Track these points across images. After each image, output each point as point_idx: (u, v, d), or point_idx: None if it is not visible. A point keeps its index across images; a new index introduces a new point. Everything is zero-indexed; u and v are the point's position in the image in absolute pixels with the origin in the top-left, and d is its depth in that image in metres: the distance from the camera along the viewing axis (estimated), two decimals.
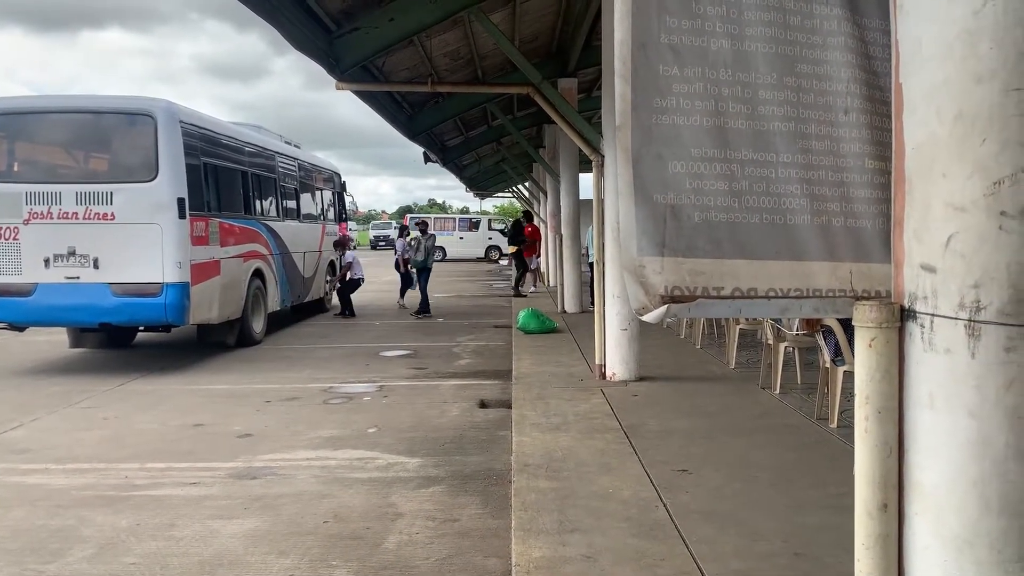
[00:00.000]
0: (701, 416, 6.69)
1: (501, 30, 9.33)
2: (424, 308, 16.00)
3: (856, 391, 1.90)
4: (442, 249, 41.67)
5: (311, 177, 16.53)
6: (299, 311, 15.92)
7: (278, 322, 14.44)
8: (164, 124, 10.12)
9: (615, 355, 8.23)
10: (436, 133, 17.27)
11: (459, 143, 20.67)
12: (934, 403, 1.81)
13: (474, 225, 43.34)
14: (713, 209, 1.90)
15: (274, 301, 13.52)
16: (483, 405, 8.22)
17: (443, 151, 19.87)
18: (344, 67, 8.38)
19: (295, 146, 16.47)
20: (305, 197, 15.98)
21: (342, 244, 16.54)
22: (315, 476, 5.92)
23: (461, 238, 41.43)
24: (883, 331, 1.85)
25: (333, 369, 10.33)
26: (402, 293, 17.84)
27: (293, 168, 15.27)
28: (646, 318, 1.83)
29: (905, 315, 1.86)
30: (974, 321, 1.75)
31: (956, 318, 1.77)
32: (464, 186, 33.25)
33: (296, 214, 15.18)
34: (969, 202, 1.75)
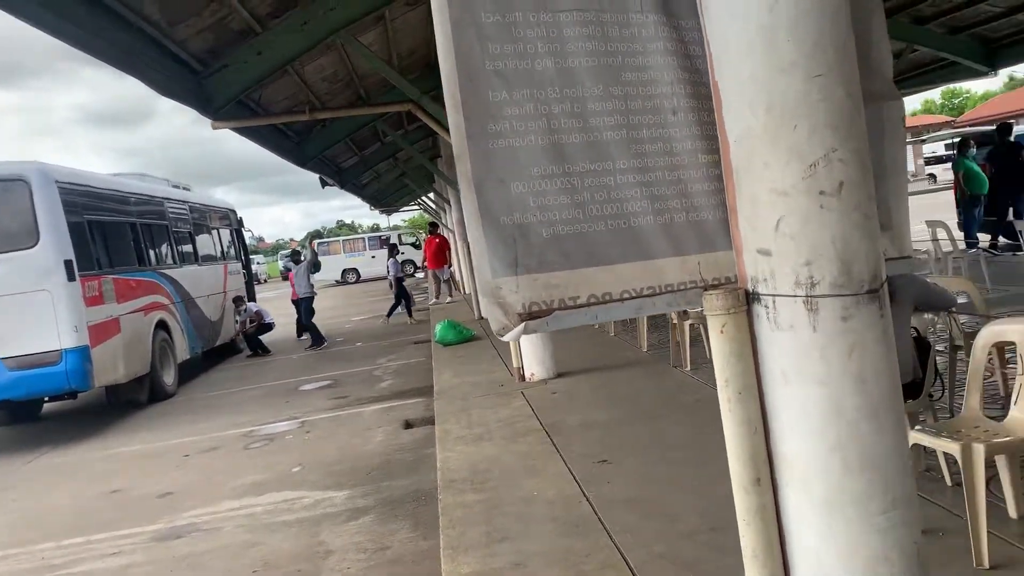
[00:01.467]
0: (618, 404, 6.83)
1: (375, 50, 9.29)
2: (317, 340, 15.63)
3: (716, 375, 1.99)
4: (356, 271, 41.21)
5: (205, 218, 16.12)
6: (211, 356, 15.51)
7: (190, 370, 14.04)
8: (39, 187, 9.74)
9: (531, 356, 8.31)
10: (328, 157, 17.04)
11: (355, 163, 20.43)
12: (787, 378, 1.92)
13: (385, 242, 42.97)
14: (560, 223, 1.96)
15: (183, 350, 13.14)
16: (408, 425, 8.19)
17: (339, 174, 19.62)
18: (217, 106, 8.21)
19: (185, 188, 16.04)
20: (202, 239, 15.57)
21: (238, 300, 16.11)
22: (241, 525, 5.80)
23: (373, 257, 41.01)
24: (731, 316, 1.95)
25: (251, 412, 10.12)
26: (409, 311, 17.96)
27: (184, 212, 14.87)
28: (506, 337, 1.89)
29: (750, 299, 1.97)
30: (811, 296, 1.86)
31: (795, 296, 1.88)
32: (368, 205, 32.94)
33: (194, 258, 14.79)
34: (790, 186, 1.86)
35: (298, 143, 13.81)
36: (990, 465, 3.60)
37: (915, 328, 4.06)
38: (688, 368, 7.65)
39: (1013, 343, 3.50)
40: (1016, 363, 3.46)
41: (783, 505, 1.98)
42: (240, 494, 6.58)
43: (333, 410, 9.54)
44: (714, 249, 2.11)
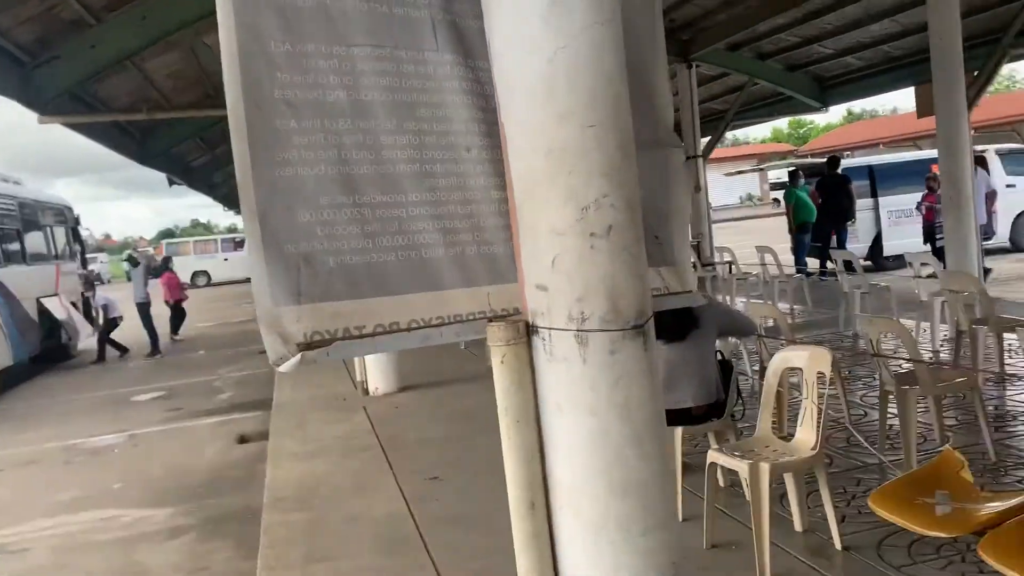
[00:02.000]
0: (458, 420, 6.89)
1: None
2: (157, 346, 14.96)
3: (498, 404, 2.08)
4: (206, 274, 39.54)
5: (36, 215, 15.10)
6: (42, 361, 14.51)
7: (15, 377, 13.08)
8: None
9: (375, 369, 8.26)
10: (176, 154, 16.35)
11: (206, 161, 19.68)
12: (561, 407, 2.02)
13: (239, 245, 41.50)
14: (348, 252, 2.00)
15: (4, 356, 12.24)
16: (243, 440, 7.95)
17: (188, 172, 18.86)
18: (46, 99, 7.75)
19: (15, 183, 14.96)
20: (31, 237, 14.57)
21: (88, 285, 15.19)
22: (52, 546, 5.47)
23: (226, 259, 39.50)
24: (511, 348, 2.04)
25: (78, 423, 9.55)
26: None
27: (12, 207, 13.88)
28: (283, 368, 1.90)
29: (531, 331, 2.06)
30: (581, 331, 1.98)
31: (568, 329, 1.98)
32: (222, 205, 31.76)
33: (21, 257, 13.81)
34: (566, 227, 1.96)
35: (140, 140, 13.20)
36: (781, 482, 3.90)
37: (720, 351, 4.34)
38: None
39: (800, 368, 3.80)
40: (803, 387, 3.76)
41: (556, 529, 2.08)
42: (54, 512, 6.20)
43: (165, 423, 9.15)
44: (505, 281, 2.20)
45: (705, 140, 15.96)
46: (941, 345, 7.13)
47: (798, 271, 11.62)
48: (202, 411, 9.58)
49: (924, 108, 10.32)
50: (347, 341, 1.95)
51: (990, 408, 5.44)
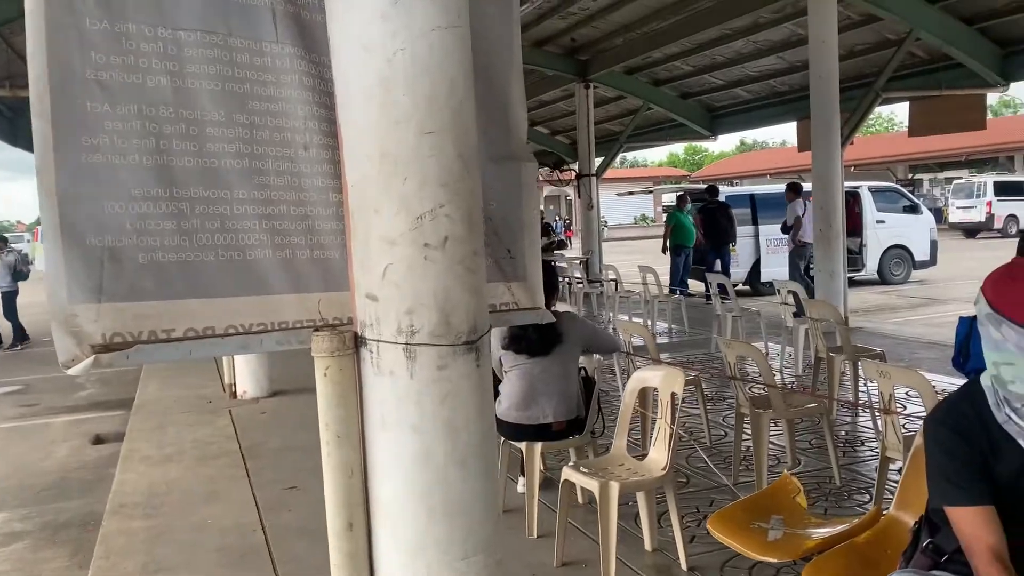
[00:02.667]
0: None
1: None
2: (21, 336, 14.01)
3: (320, 418, 1.98)
4: None
5: None
6: None
7: None
8: None
9: (245, 371, 7.96)
10: None
11: None
12: (385, 423, 1.94)
13: None
14: (161, 249, 1.86)
15: None
16: (99, 440, 7.49)
17: None
18: None
19: None
20: None
21: None
22: None
23: None
24: (336, 359, 1.94)
25: None
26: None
27: None
28: (73, 371, 1.74)
29: (359, 342, 1.97)
30: (410, 344, 1.90)
31: (396, 342, 1.90)
32: None
33: None
34: (398, 235, 1.88)
35: (11, 118, 12.42)
36: (636, 501, 3.92)
37: (583, 368, 4.35)
38: None
39: (656, 388, 3.83)
40: (658, 407, 3.80)
41: (375, 551, 1.99)
42: None
43: (16, 420, 8.55)
44: (339, 289, 2.10)
45: (600, 160, 16.24)
46: (804, 370, 7.40)
47: (670, 291, 11.91)
48: (59, 408, 9.00)
49: (804, 143, 10.79)
50: (152, 344, 1.81)
51: (841, 433, 5.67)
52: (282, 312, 2.01)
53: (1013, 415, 1.77)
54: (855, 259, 15.08)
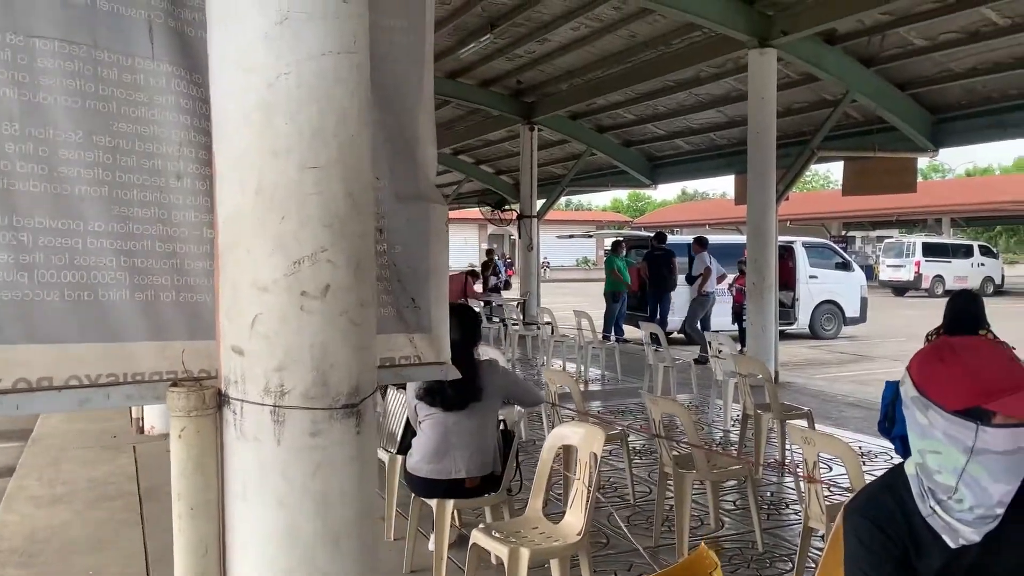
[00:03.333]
0: None
1: None
2: None
3: (172, 486, 1.73)
4: None
5: None
6: None
7: None
8: None
9: (154, 406, 7.53)
10: None
11: None
12: (247, 494, 1.70)
13: None
14: None
15: None
16: None
17: None
18: None
19: None
20: None
21: None
22: None
23: None
24: (194, 419, 1.70)
25: None
26: None
27: None
28: None
29: (222, 400, 1.73)
30: (279, 407, 1.67)
31: (263, 404, 1.67)
32: None
33: None
34: (271, 281, 1.67)
35: None
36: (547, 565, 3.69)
37: (503, 420, 4.14)
38: None
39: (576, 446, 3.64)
40: (576, 467, 3.60)
41: None
42: None
43: None
44: (208, 337, 1.86)
45: (542, 201, 16.21)
46: (732, 424, 7.31)
47: (604, 337, 11.84)
48: None
49: (740, 196, 10.88)
50: None
51: (767, 494, 5.55)
52: (137, 362, 1.77)
53: (938, 508, 1.62)
54: (787, 312, 15.24)
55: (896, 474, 1.73)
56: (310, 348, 1.68)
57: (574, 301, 21.89)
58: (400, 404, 4.60)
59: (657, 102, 12.97)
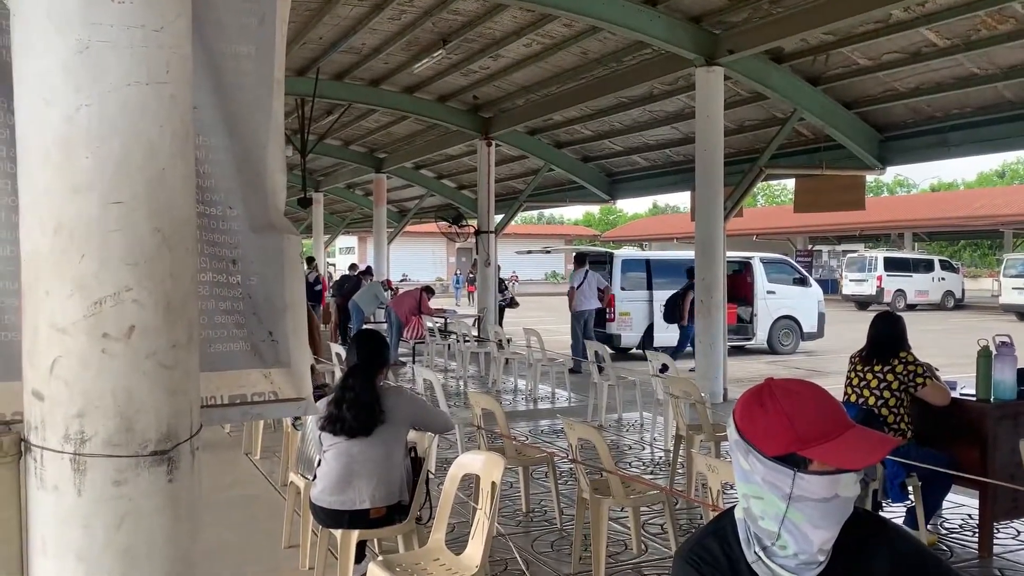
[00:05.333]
0: None
1: None
2: None
3: None
4: None
5: None
6: None
7: None
8: None
9: None
10: None
11: None
12: (47, 549, 1.61)
13: None
14: None
15: None
16: None
17: None
18: None
19: None
20: None
21: None
22: None
23: None
24: None
25: None
26: None
27: None
28: None
29: (24, 448, 1.64)
30: (79, 455, 1.58)
31: (62, 452, 1.59)
32: None
33: None
34: (71, 323, 1.58)
35: None
36: None
37: (413, 448, 4.05)
38: (258, 456, 7.24)
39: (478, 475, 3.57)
40: (479, 496, 3.53)
41: None
42: None
43: None
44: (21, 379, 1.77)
45: (500, 216, 16.17)
46: (672, 442, 7.26)
47: (575, 362, 11.70)
48: None
49: (695, 212, 10.89)
50: None
51: (699, 518, 5.50)
52: None
53: (763, 554, 1.57)
54: (745, 328, 15.31)
55: (725, 519, 1.68)
56: (112, 392, 1.60)
57: (540, 315, 21.86)
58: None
59: (613, 118, 13.01)
